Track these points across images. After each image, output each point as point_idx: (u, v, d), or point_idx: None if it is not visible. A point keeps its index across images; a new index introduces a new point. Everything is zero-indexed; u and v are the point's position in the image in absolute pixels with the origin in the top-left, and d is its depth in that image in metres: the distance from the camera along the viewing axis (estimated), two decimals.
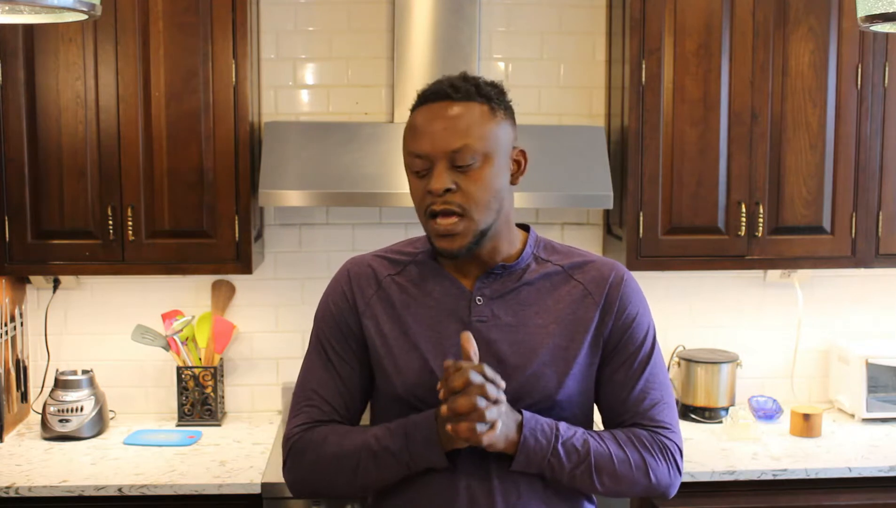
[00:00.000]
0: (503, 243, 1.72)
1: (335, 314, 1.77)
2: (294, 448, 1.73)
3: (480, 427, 1.53)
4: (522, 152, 1.73)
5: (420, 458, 1.63)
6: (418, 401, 1.67)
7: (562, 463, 1.63)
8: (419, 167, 1.65)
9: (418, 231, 1.82)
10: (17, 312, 3.12)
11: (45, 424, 2.99)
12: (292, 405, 1.78)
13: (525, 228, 1.81)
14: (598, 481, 1.65)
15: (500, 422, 1.56)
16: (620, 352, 1.72)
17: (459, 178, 1.62)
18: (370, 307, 1.74)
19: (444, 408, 1.54)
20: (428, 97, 1.67)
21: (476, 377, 1.53)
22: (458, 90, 1.65)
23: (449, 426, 1.54)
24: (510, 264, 1.72)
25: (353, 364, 1.75)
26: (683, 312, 3.38)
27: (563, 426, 1.65)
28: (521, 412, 1.63)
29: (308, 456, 1.71)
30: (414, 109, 1.69)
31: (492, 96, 1.67)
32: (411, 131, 1.67)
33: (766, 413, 3.20)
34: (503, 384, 1.58)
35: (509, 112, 1.71)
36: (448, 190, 1.61)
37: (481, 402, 1.52)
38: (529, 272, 1.73)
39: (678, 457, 1.72)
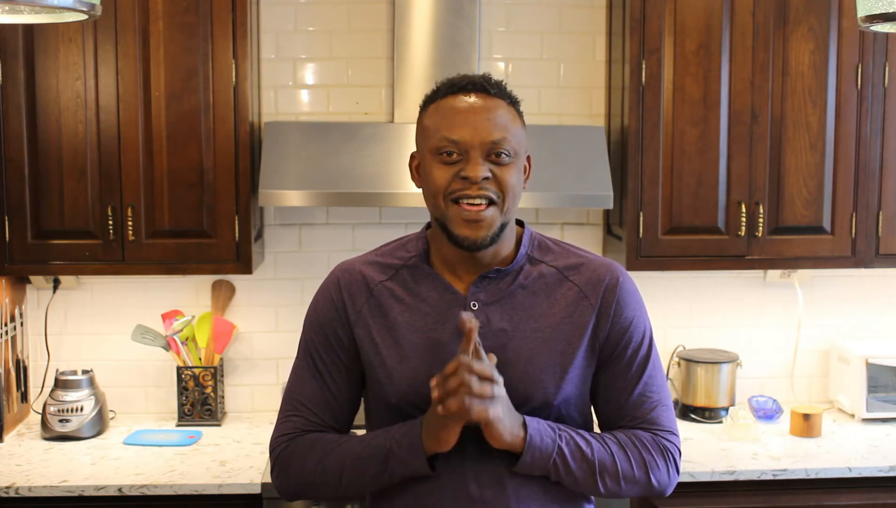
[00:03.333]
0: (505, 245, 1.72)
1: (324, 324, 1.76)
2: (279, 458, 1.74)
3: (469, 401, 1.51)
4: (529, 158, 1.74)
5: (402, 465, 1.62)
6: (412, 409, 1.66)
7: (567, 464, 1.62)
8: (452, 154, 1.63)
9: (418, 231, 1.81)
10: (17, 312, 3.12)
11: (45, 424, 2.99)
12: (279, 413, 1.79)
13: (519, 223, 1.79)
14: (600, 483, 1.65)
15: (498, 404, 1.54)
16: (619, 356, 1.71)
17: (493, 169, 1.63)
18: (361, 317, 1.72)
19: (435, 392, 1.54)
20: (464, 87, 1.66)
21: (465, 358, 1.53)
22: (493, 87, 1.67)
23: (440, 407, 1.53)
24: (504, 267, 1.71)
25: (341, 374, 1.75)
26: (683, 312, 3.38)
27: (565, 427, 1.65)
28: (521, 414, 1.62)
29: (292, 467, 1.71)
30: (441, 95, 1.67)
31: (516, 101, 1.71)
32: (448, 116, 1.64)
33: (766, 413, 3.20)
34: (495, 370, 1.56)
35: (523, 119, 1.73)
36: (486, 178, 1.62)
37: (470, 378, 1.51)
38: (523, 275, 1.72)
39: (677, 458, 1.72)
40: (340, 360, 1.75)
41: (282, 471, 1.74)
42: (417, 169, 1.73)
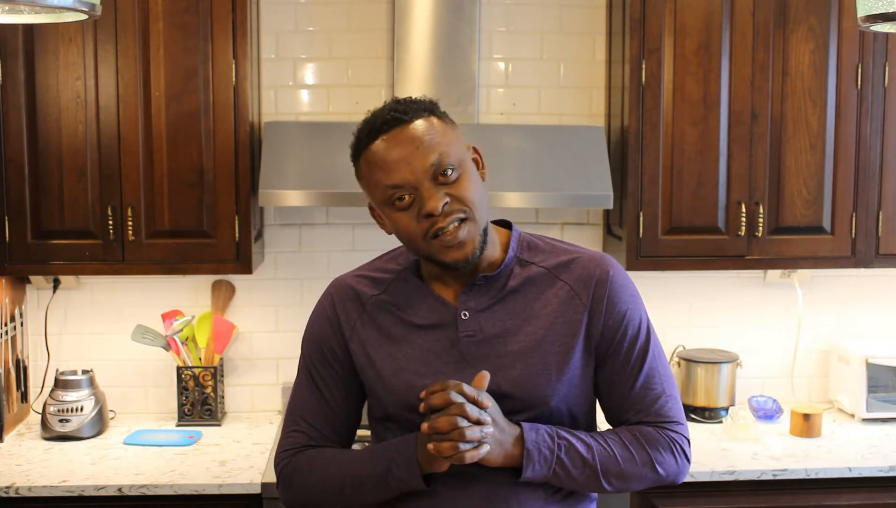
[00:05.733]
0: (489, 248, 1.69)
1: (320, 341, 1.77)
2: (283, 474, 1.76)
3: (463, 446, 1.52)
4: (475, 149, 1.70)
5: (399, 482, 1.63)
6: (411, 415, 1.65)
7: (568, 471, 1.62)
8: (403, 198, 1.60)
9: None
10: (17, 312, 3.12)
11: (45, 424, 2.99)
12: (282, 429, 1.81)
13: (507, 224, 1.78)
14: (605, 482, 1.65)
15: (486, 444, 1.54)
16: (616, 351, 1.70)
17: (447, 190, 1.59)
18: (356, 332, 1.74)
19: (424, 426, 1.54)
20: (380, 128, 1.61)
21: (457, 397, 1.53)
22: (404, 112, 1.61)
23: (431, 446, 1.53)
24: (492, 273, 1.70)
25: (339, 389, 1.76)
26: (683, 312, 3.38)
27: (564, 433, 1.64)
28: (519, 425, 1.62)
29: (296, 483, 1.74)
30: (364, 146, 1.63)
31: (432, 108, 1.65)
32: (381, 166, 1.59)
33: (766, 413, 3.20)
34: (487, 403, 1.56)
35: (449, 117, 1.68)
36: (445, 204, 1.58)
37: (462, 421, 1.51)
38: (513, 278, 1.70)
39: (686, 447, 1.71)
40: (338, 375, 1.76)
41: (286, 487, 1.77)
42: (381, 220, 1.70)
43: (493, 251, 1.71)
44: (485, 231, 1.64)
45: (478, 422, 1.53)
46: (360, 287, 1.77)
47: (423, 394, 1.56)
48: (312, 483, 1.72)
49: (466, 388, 1.55)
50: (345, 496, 1.68)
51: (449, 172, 1.59)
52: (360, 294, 1.76)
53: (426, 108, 1.64)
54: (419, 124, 1.61)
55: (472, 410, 1.53)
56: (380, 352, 1.71)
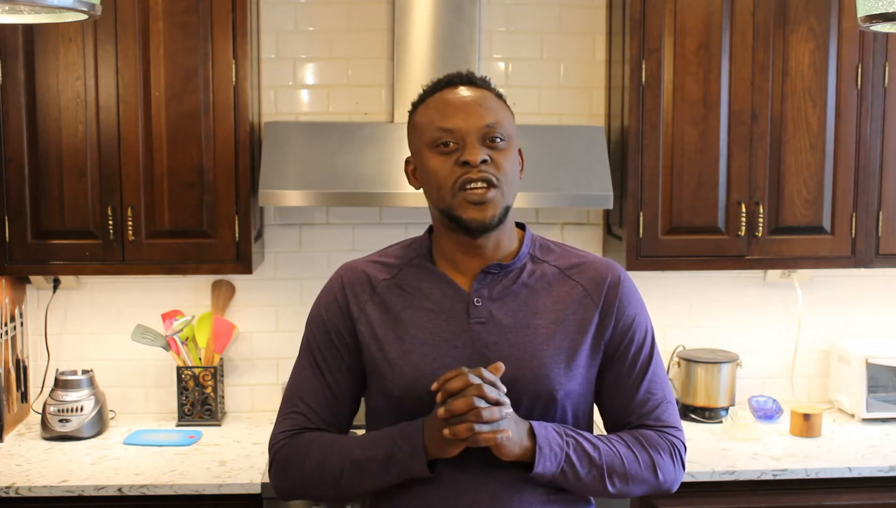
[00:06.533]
0: (506, 236, 1.73)
1: (326, 322, 1.76)
2: (278, 455, 1.74)
3: (479, 427, 1.51)
4: (521, 152, 1.76)
5: (403, 468, 1.62)
6: (414, 403, 1.65)
7: (575, 470, 1.62)
8: (447, 144, 1.65)
9: (418, 231, 1.82)
10: (17, 312, 3.12)
11: (45, 424, 2.99)
12: (280, 411, 1.79)
13: (521, 226, 1.81)
14: (609, 485, 1.65)
15: (509, 429, 1.54)
16: (622, 355, 1.72)
17: (490, 153, 1.65)
18: (365, 313, 1.73)
19: (441, 411, 1.53)
20: (451, 81, 1.70)
21: (475, 379, 1.53)
22: (478, 80, 1.72)
23: (447, 430, 1.53)
24: (506, 263, 1.72)
25: (342, 373, 1.75)
26: (683, 312, 3.38)
27: (571, 431, 1.65)
28: (527, 422, 1.61)
29: (292, 464, 1.71)
30: (429, 94, 1.71)
31: (502, 95, 1.75)
32: (440, 108, 1.67)
33: (766, 413, 3.20)
34: (503, 388, 1.57)
35: (511, 111, 1.76)
36: (484, 161, 1.63)
37: (479, 402, 1.51)
38: (526, 273, 1.72)
39: (683, 453, 1.73)
40: (342, 358, 1.75)
41: (280, 469, 1.74)
42: (414, 173, 1.74)
43: (511, 242, 1.74)
44: (507, 209, 1.68)
45: (496, 403, 1.54)
46: (371, 271, 1.77)
47: (434, 386, 1.56)
48: (309, 467, 1.69)
49: (486, 373, 1.56)
50: (342, 483, 1.66)
51: (498, 140, 1.66)
52: (371, 277, 1.75)
53: (498, 93, 1.74)
54: (488, 94, 1.71)
55: (490, 391, 1.53)
56: (388, 334, 1.70)
